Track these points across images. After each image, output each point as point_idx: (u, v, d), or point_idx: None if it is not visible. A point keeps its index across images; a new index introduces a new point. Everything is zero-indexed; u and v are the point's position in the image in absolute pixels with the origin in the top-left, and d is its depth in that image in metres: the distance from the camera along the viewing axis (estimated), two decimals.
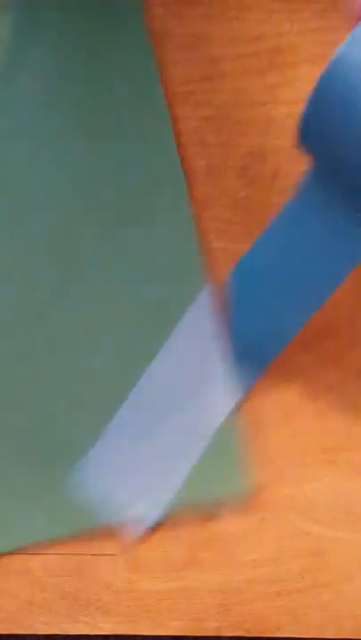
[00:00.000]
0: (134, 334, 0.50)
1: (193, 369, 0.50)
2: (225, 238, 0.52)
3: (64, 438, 0.49)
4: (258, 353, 0.50)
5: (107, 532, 0.49)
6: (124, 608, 0.48)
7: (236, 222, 0.52)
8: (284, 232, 0.47)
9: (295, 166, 0.53)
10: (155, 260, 0.51)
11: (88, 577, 0.48)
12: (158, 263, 0.51)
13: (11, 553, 0.49)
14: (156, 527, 0.49)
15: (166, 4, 0.55)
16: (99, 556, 0.49)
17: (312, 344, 0.51)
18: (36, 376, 0.50)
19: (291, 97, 0.53)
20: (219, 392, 0.49)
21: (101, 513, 0.48)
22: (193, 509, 0.48)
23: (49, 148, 0.52)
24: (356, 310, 0.51)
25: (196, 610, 0.48)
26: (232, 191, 0.53)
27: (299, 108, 0.53)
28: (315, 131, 0.43)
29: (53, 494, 0.48)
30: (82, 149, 0.52)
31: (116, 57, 0.53)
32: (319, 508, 0.49)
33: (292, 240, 0.47)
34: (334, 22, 0.54)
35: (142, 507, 0.48)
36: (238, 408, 0.49)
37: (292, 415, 0.50)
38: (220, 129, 0.54)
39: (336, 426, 0.50)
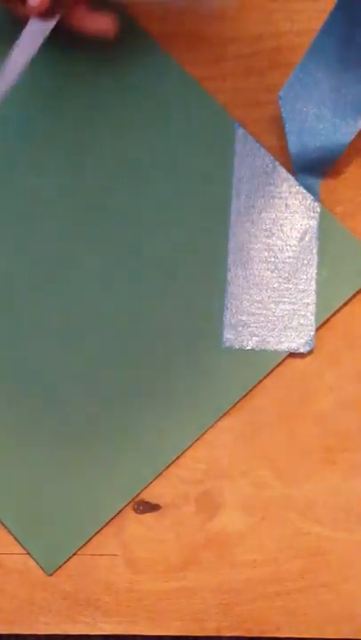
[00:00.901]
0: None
1: (266, 199, 0.52)
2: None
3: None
4: (317, 163, 0.52)
5: (106, 533, 0.49)
6: (124, 608, 0.48)
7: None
8: (327, 43, 0.50)
9: None
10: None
11: (88, 577, 0.48)
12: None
13: (11, 553, 0.49)
14: (156, 527, 0.49)
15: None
16: (99, 556, 0.49)
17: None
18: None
19: None
20: (300, 208, 0.52)
21: (262, 362, 0.50)
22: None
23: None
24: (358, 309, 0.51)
25: (196, 610, 0.48)
26: None
27: None
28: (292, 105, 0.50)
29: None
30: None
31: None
32: (319, 508, 0.49)
33: (336, 48, 0.50)
34: None
35: (294, 332, 0.50)
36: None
37: (292, 415, 0.50)
38: None
39: (336, 426, 0.50)
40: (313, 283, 0.51)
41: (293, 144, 0.51)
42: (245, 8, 0.54)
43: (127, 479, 0.49)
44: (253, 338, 0.51)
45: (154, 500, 0.49)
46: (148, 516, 0.49)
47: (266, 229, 0.52)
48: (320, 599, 0.48)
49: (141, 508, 0.49)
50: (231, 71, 0.54)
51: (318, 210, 0.52)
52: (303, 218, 0.52)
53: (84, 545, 0.49)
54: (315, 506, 0.49)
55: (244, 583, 0.48)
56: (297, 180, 0.52)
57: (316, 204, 0.52)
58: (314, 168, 0.52)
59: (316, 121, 0.51)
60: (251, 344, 0.51)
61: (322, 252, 0.51)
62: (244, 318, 0.51)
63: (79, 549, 0.49)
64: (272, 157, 0.52)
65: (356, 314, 0.51)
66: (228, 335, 0.51)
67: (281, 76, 0.53)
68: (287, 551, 0.49)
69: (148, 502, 0.49)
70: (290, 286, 0.51)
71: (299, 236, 0.51)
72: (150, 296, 0.51)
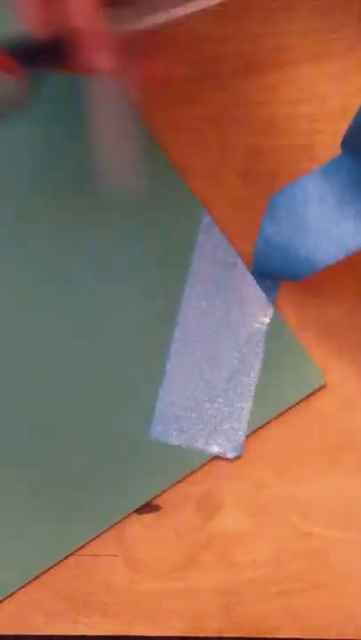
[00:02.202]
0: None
1: (220, 292, 0.51)
2: (226, 238, 0.52)
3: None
4: (281, 273, 0.51)
5: (106, 533, 0.49)
6: (124, 608, 0.48)
7: (236, 222, 0.52)
8: (317, 184, 0.49)
9: (295, 166, 0.53)
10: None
11: (88, 577, 0.48)
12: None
13: None
14: (156, 527, 0.49)
15: None
16: (99, 557, 0.49)
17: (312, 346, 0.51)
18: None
19: (291, 96, 0.53)
20: (253, 307, 0.51)
21: (188, 459, 0.49)
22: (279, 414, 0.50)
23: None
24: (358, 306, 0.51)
25: (195, 610, 0.48)
26: (232, 191, 0.53)
27: (299, 108, 0.54)
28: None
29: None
30: None
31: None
32: (319, 509, 0.49)
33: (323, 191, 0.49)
34: (334, 22, 0.54)
35: (224, 436, 0.49)
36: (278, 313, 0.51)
37: (292, 415, 0.50)
38: (221, 129, 0.53)
39: (336, 426, 0.50)
40: (252, 388, 0.50)
41: (260, 247, 0.50)
42: (245, 8, 0.54)
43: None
44: (182, 434, 0.50)
45: (154, 501, 0.49)
46: (149, 517, 0.49)
47: (214, 324, 0.51)
48: (320, 600, 0.48)
49: (141, 508, 0.49)
50: (231, 71, 0.54)
51: (271, 314, 0.51)
52: (254, 319, 0.51)
53: (83, 545, 0.49)
54: (315, 506, 0.49)
55: (244, 584, 0.48)
56: (255, 277, 0.51)
57: (270, 307, 0.51)
58: (275, 275, 0.51)
59: (294, 233, 0.49)
60: (177, 440, 0.50)
61: (268, 357, 0.50)
62: (175, 412, 0.50)
63: (79, 550, 0.49)
64: (234, 252, 0.52)
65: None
66: (157, 427, 0.50)
67: (281, 75, 0.53)
68: (287, 551, 0.49)
69: (148, 503, 0.49)
70: (228, 387, 0.50)
71: (246, 337, 0.51)
72: (88, 375, 0.51)
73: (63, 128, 0.53)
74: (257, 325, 0.50)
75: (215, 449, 0.49)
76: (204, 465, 0.49)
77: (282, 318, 0.51)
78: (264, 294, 0.51)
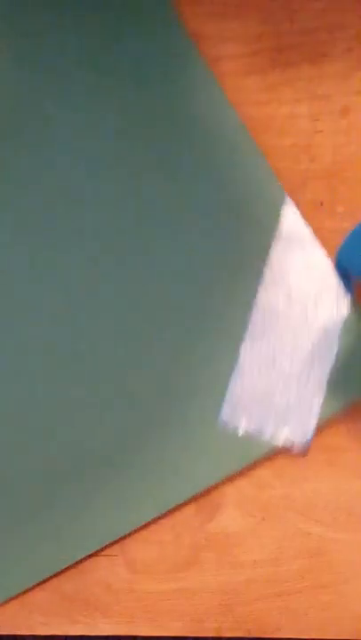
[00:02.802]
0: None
1: (299, 282, 0.51)
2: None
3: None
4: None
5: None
6: (124, 609, 0.48)
7: None
8: None
9: (295, 165, 0.53)
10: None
11: (88, 577, 0.48)
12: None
13: None
14: (156, 527, 0.49)
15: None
16: (98, 557, 0.49)
17: None
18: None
19: (292, 96, 0.53)
20: (331, 301, 0.50)
21: (256, 445, 0.49)
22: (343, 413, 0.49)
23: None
24: None
25: (196, 610, 0.48)
26: None
27: (299, 108, 0.53)
28: (350, 262, 0.46)
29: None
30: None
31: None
32: (319, 509, 0.49)
33: None
34: (334, 22, 0.54)
35: (292, 428, 0.49)
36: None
37: None
38: None
39: (336, 426, 0.50)
40: (324, 381, 0.50)
41: (349, 243, 0.48)
42: (245, 8, 0.54)
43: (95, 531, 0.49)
44: (251, 422, 0.49)
45: None
46: None
47: (291, 314, 0.50)
48: (320, 599, 0.48)
49: None
50: (231, 71, 0.54)
51: (348, 311, 0.50)
52: (332, 313, 0.50)
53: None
54: (315, 506, 0.49)
55: (244, 584, 0.48)
56: (337, 272, 0.50)
57: (348, 303, 0.50)
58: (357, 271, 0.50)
59: None
60: (246, 427, 0.49)
61: (341, 352, 0.50)
62: (246, 398, 0.50)
63: None
64: (318, 244, 0.51)
65: None
66: (226, 412, 0.50)
67: (281, 75, 0.53)
68: (287, 551, 0.49)
69: None
70: (300, 379, 0.50)
71: (322, 330, 0.50)
72: (160, 353, 0.50)
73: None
74: (334, 320, 0.50)
75: (283, 441, 0.49)
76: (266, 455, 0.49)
77: (358, 315, 0.50)
78: (343, 289, 0.51)
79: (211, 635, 0.48)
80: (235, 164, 0.52)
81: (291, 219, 0.52)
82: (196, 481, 0.49)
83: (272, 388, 0.50)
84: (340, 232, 0.52)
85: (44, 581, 0.48)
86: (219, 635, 0.48)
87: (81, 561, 0.49)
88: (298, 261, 0.51)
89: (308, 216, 0.52)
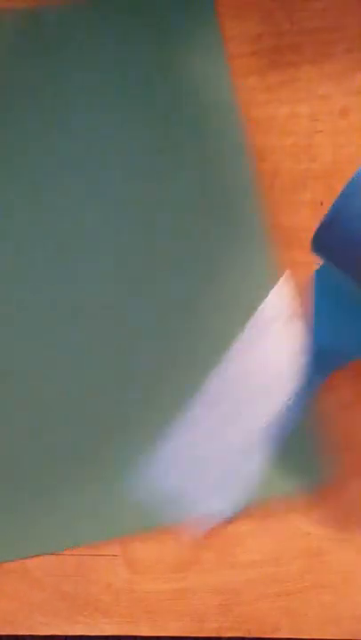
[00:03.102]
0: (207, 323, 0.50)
1: (267, 363, 0.50)
2: None
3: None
4: (334, 356, 0.49)
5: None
6: (124, 609, 0.48)
7: None
8: None
9: (295, 166, 0.53)
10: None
11: (88, 577, 0.48)
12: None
13: None
14: (156, 527, 0.49)
15: None
16: (98, 557, 0.49)
17: None
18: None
19: (291, 96, 0.53)
20: (292, 387, 0.49)
21: (168, 511, 0.48)
22: (270, 502, 0.48)
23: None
24: None
25: (196, 610, 0.48)
26: None
27: (299, 108, 0.54)
28: (331, 240, 0.44)
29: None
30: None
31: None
32: (319, 509, 0.49)
33: None
34: (335, 21, 0.54)
35: (216, 503, 0.48)
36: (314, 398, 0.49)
37: None
38: None
39: (336, 425, 0.50)
40: (263, 462, 0.48)
41: (319, 327, 0.48)
42: (245, 8, 0.54)
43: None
44: (179, 479, 0.48)
45: None
46: None
47: (255, 383, 0.49)
48: (321, 600, 0.48)
49: None
50: (231, 71, 0.54)
51: (310, 395, 0.49)
52: (292, 394, 0.49)
53: (83, 545, 0.49)
54: (315, 506, 0.49)
55: (244, 584, 0.48)
56: (311, 352, 0.49)
57: (313, 391, 0.49)
58: (330, 361, 0.49)
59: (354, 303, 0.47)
60: (173, 484, 0.48)
61: (291, 438, 0.49)
62: (177, 460, 0.48)
63: (79, 549, 0.48)
64: (299, 325, 0.50)
65: None
66: (153, 468, 0.48)
67: (281, 75, 0.53)
68: (287, 552, 0.49)
69: None
70: (241, 454, 0.48)
71: (279, 409, 0.49)
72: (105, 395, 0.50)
73: None
74: (292, 403, 0.49)
75: (203, 509, 0.48)
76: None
77: (315, 406, 0.49)
78: (310, 375, 0.49)
79: (211, 635, 0.48)
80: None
81: (277, 297, 0.50)
82: (107, 528, 0.48)
83: (208, 457, 0.48)
84: None
85: (44, 581, 0.48)
86: (219, 635, 0.48)
87: (81, 561, 0.48)
88: (273, 339, 0.50)
89: (308, 216, 0.53)
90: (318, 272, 0.49)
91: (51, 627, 0.48)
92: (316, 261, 0.49)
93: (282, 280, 0.50)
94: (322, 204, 0.53)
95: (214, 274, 0.50)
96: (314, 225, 0.53)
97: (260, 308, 0.50)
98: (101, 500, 0.48)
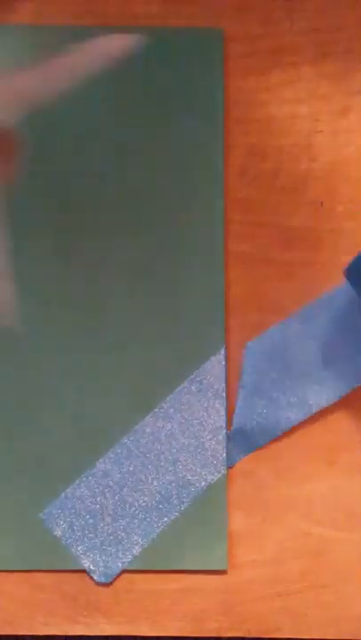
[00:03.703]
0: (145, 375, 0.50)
1: (192, 428, 0.49)
2: (225, 238, 0.52)
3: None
4: (252, 436, 0.50)
5: None
6: (124, 609, 0.48)
7: (236, 222, 0.52)
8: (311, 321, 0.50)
9: (295, 166, 0.53)
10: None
11: (88, 578, 0.48)
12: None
13: None
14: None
15: (166, 3, 0.55)
16: None
17: None
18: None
19: (292, 97, 0.53)
20: (211, 457, 0.49)
21: (58, 556, 0.48)
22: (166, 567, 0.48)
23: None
24: None
25: (195, 610, 0.48)
26: (232, 191, 0.53)
27: (299, 108, 0.54)
28: None
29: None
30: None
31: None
32: (319, 509, 0.49)
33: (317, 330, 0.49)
34: (335, 21, 0.54)
35: (103, 559, 0.48)
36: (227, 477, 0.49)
37: None
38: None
39: (336, 425, 0.50)
40: (157, 531, 0.48)
41: (241, 405, 0.49)
42: (245, 8, 0.54)
43: None
44: (68, 530, 0.48)
45: None
46: None
47: (167, 450, 0.49)
48: (321, 600, 0.48)
49: None
50: (231, 71, 0.54)
51: (218, 478, 0.49)
52: (200, 476, 0.49)
53: None
54: (315, 506, 0.49)
55: (244, 583, 0.48)
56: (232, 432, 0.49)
57: (222, 471, 0.49)
58: (249, 440, 0.50)
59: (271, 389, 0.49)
60: (60, 533, 0.48)
61: (190, 514, 0.48)
62: (77, 506, 0.48)
63: None
64: (225, 410, 0.49)
65: None
66: (53, 510, 0.48)
67: (282, 75, 0.53)
68: (287, 552, 0.49)
69: None
70: (137, 515, 0.48)
71: (183, 483, 0.48)
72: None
73: None
74: (199, 483, 0.49)
75: (86, 564, 0.47)
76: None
77: (225, 489, 0.49)
78: (224, 456, 0.49)
79: (211, 634, 0.48)
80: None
81: (217, 365, 0.50)
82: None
83: (108, 507, 0.48)
84: (341, 232, 0.52)
85: (45, 581, 0.48)
86: (219, 634, 0.48)
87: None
88: (200, 405, 0.49)
89: (308, 216, 0.53)
90: (249, 347, 0.50)
91: (51, 627, 0.48)
92: (251, 336, 0.50)
93: (221, 352, 0.50)
94: (322, 204, 0.53)
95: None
96: (314, 224, 0.53)
97: (193, 374, 0.50)
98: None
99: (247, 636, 0.48)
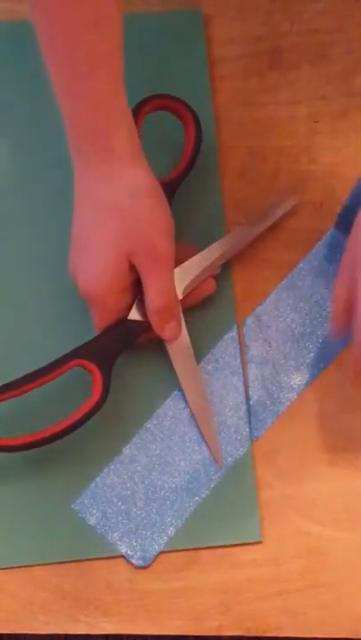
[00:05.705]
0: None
1: (213, 407, 0.50)
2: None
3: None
4: (271, 406, 0.50)
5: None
6: (125, 608, 0.48)
7: (236, 222, 0.52)
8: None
9: (295, 166, 0.53)
10: None
11: (88, 577, 0.48)
12: None
13: None
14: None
15: (166, 3, 0.55)
16: (99, 556, 0.49)
17: None
18: None
19: (291, 97, 0.54)
20: (235, 433, 0.50)
21: (97, 544, 0.48)
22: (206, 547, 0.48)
23: None
24: None
25: (196, 609, 0.48)
26: (232, 191, 0.53)
27: (299, 109, 0.54)
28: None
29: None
30: None
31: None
32: (319, 508, 0.49)
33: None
34: (334, 22, 0.55)
35: (136, 544, 0.48)
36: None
37: (292, 416, 0.50)
38: (221, 129, 0.54)
39: (336, 426, 0.50)
40: (189, 510, 0.48)
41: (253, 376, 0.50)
42: (245, 8, 0.55)
43: None
44: (102, 519, 0.48)
45: None
46: None
47: (187, 432, 0.50)
48: (320, 599, 0.48)
49: None
50: (231, 72, 0.54)
51: (244, 453, 0.49)
52: (226, 451, 0.49)
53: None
54: (315, 506, 0.49)
55: (244, 583, 0.48)
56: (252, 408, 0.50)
57: (247, 446, 0.49)
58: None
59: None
60: (95, 522, 0.48)
61: (221, 491, 0.49)
62: (108, 494, 0.49)
63: None
64: (242, 378, 0.50)
65: None
66: (84, 500, 0.48)
67: (281, 76, 0.54)
68: (287, 551, 0.49)
69: None
70: (168, 497, 0.49)
71: (209, 462, 0.49)
72: None
73: None
74: (226, 459, 0.49)
75: (123, 549, 0.48)
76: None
77: (251, 463, 0.49)
78: (248, 431, 0.49)
79: (211, 633, 0.48)
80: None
81: (231, 343, 0.51)
82: (27, 555, 0.48)
83: (135, 497, 0.48)
84: None
85: (46, 581, 0.48)
86: (219, 633, 0.48)
87: (82, 560, 0.49)
88: (218, 384, 0.50)
89: (307, 216, 0.53)
90: (247, 323, 0.51)
91: (52, 625, 0.48)
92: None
93: (233, 330, 0.51)
94: (322, 204, 0.53)
95: None
96: (314, 224, 0.53)
97: (209, 354, 0.51)
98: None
99: (247, 634, 0.48)
